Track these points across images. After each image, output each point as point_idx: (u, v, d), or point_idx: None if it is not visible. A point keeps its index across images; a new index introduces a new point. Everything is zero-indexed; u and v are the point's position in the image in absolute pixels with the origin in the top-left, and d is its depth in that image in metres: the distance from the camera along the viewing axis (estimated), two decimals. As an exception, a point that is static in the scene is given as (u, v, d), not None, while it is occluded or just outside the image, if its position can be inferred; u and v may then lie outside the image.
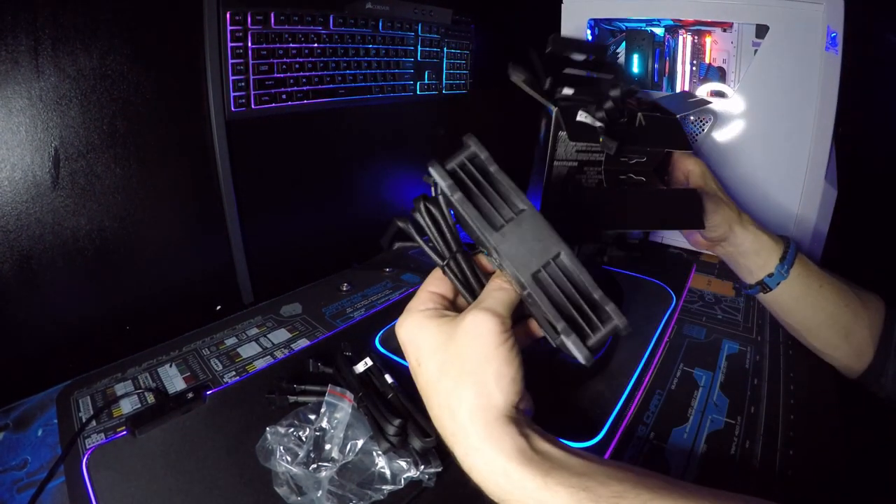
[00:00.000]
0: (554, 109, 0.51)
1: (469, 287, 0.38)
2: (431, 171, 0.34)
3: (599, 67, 0.58)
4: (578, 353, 0.32)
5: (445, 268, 0.38)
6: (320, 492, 0.38)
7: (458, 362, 0.33)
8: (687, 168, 0.59)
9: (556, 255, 0.33)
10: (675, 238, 0.91)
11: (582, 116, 0.50)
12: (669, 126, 0.58)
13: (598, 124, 0.50)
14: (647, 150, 0.56)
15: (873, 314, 0.54)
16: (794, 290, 0.56)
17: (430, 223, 0.37)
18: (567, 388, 0.53)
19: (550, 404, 0.39)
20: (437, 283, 0.38)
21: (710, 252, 0.64)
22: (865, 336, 0.54)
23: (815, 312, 0.56)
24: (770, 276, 0.57)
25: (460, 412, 0.32)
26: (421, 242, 0.38)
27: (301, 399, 0.49)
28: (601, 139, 0.50)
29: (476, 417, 0.31)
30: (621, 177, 0.56)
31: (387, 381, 0.47)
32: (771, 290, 0.57)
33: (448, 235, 0.37)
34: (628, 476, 0.30)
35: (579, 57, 0.55)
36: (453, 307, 0.38)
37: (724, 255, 0.61)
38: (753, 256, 0.57)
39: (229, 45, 0.61)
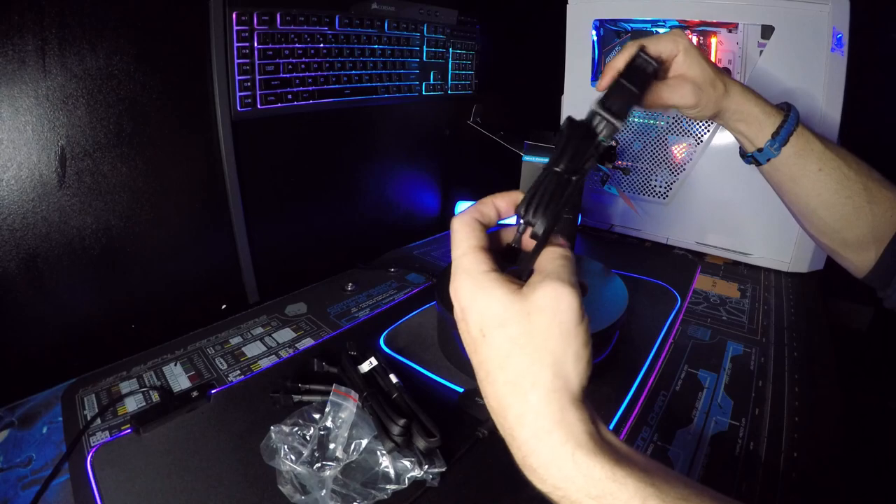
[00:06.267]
0: None
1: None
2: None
3: None
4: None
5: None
6: (324, 491, 0.38)
7: (536, 340, 0.30)
8: (666, 52, 0.50)
9: None
10: (680, 239, 0.91)
11: None
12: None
13: None
14: None
15: (882, 212, 0.50)
16: (788, 170, 0.52)
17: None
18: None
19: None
20: (476, 237, 0.33)
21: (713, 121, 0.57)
22: (866, 233, 0.50)
23: (809, 197, 0.52)
24: (759, 151, 0.52)
25: (533, 393, 0.29)
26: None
27: (306, 398, 0.49)
28: None
29: (552, 399, 0.29)
30: None
31: (391, 381, 0.47)
32: (761, 164, 0.53)
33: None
34: (689, 481, 0.29)
35: None
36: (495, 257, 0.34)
37: (721, 125, 0.56)
38: (744, 127, 0.53)
39: (235, 45, 0.61)
